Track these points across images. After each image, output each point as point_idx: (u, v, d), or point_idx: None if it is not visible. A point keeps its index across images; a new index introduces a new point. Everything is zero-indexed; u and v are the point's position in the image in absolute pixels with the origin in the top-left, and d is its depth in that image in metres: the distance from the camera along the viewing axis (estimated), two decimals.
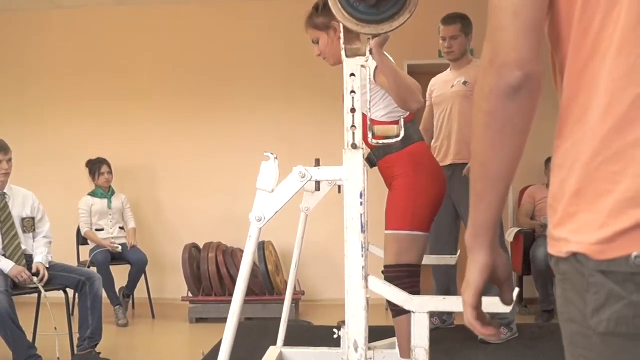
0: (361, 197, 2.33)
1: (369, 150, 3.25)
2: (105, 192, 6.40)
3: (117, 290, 6.07)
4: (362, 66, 2.37)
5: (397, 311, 2.95)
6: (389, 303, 3.00)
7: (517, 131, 1.15)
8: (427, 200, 3.10)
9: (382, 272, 3.10)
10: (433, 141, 4.91)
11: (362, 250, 2.34)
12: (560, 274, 1.12)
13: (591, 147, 1.05)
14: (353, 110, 2.35)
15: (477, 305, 1.22)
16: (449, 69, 4.98)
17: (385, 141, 2.49)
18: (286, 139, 6.94)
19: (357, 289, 2.35)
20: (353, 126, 2.34)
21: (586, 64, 1.08)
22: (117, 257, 6.16)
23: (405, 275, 3.03)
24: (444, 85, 4.89)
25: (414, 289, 2.92)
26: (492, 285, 1.26)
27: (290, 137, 6.96)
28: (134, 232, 6.45)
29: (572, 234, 1.07)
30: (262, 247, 6.07)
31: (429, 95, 5.02)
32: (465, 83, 4.71)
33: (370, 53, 2.70)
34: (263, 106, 7.08)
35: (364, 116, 3.12)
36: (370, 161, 3.26)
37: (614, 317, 1.02)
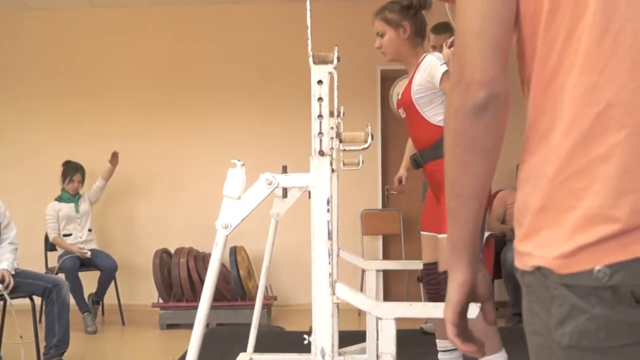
0: (328, 203, 2.32)
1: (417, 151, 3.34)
2: (72, 196, 6.33)
3: (86, 296, 5.99)
4: (329, 73, 2.36)
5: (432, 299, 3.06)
6: (427, 293, 3.14)
7: (486, 149, 1.15)
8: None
9: (441, 276, 3.10)
10: None
11: (329, 257, 2.33)
12: (525, 285, 1.12)
13: (555, 163, 1.06)
14: (320, 117, 2.34)
15: (457, 322, 1.23)
16: None
17: (352, 147, 2.48)
18: (258, 145, 6.93)
19: (324, 295, 2.35)
20: (320, 133, 2.33)
21: (550, 81, 1.09)
22: (86, 263, 6.08)
23: None
24: None
25: None
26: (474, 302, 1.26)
27: (262, 144, 6.95)
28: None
29: (535, 249, 1.07)
30: (234, 252, 6.05)
31: None
32: None
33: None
34: (235, 113, 7.06)
35: (420, 118, 3.22)
36: (416, 162, 3.31)
37: (577, 330, 1.02)
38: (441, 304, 2.54)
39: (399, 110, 3.35)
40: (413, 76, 3.25)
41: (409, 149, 4.97)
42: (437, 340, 3.42)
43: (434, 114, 3.20)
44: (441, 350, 3.42)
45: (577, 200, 1.03)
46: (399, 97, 3.40)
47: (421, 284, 3.43)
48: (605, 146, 1.02)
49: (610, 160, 1.01)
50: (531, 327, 1.12)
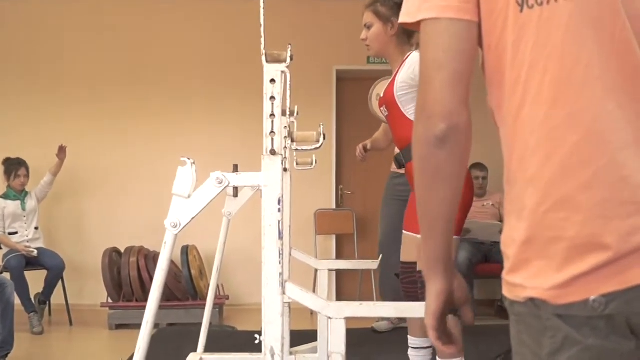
0: (279, 203, 2.30)
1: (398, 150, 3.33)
2: (18, 194, 6.19)
3: (32, 296, 5.87)
4: (283, 72, 2.34)
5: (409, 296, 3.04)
6: (403, 291, 3.14)
7: (449, 175, 1.20)
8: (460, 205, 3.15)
9: (417, 275, 3.12)
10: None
11: (280, 257, 2.32)
12: (515, 315, 1.13)
13: (535, 194, 1.08)
14: (272, 116, 2.32)
15: (437, 327, 1.28)
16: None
17: (304, 147, 2.47)
18: (210, 144, 6.88)
19: (274, 295, 2.34)
20: (272, 132, 2.31)
21: (518, 113, 1.11)
22: (32, 262, 5.95)
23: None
24: None
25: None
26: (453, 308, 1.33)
27: (214, 143, 6.91)
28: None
29: (527, 280, 1.08)
30: (185, 251, 5.99)
31: None
32: None
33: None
34: (187, 111, 6.99)
35: (402, 116, 3.21)
36: (398, 162, 3.31)
37: None
38: (390, 304, 2.55)
39: (381, 109, 3.34)
40: (397, 73, 3.23)
41: (379, 133, 4.95)
42: (408, 336, 3.44)
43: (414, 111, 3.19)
44: (412, 347, 3.44)
45: (561, 231, 1.04)
46: (379, 97, 3.40)
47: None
48: (587, 174, 1.04)
49: (592, 189, 1.03)
50: (520, 357, 1.14)
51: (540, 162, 1.07)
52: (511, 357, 3.57)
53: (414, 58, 3.15)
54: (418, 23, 1.17)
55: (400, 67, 3.24)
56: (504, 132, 1.16)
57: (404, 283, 3.37)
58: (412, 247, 3.25)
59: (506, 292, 1.14)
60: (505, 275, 1.14)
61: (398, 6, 3.17)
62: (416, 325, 3.39)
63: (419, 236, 3.15)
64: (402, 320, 5.16)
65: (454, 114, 1.14)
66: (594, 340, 1.02)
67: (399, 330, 5.06)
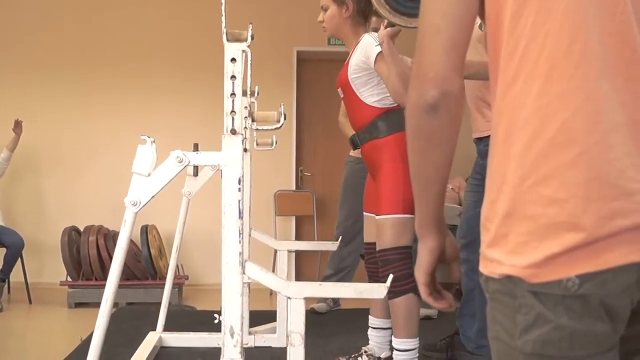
0: (239, 183, 2.32)
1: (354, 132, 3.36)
2: None
3: None
4: (243, 51, 2.35)
5: (394, 292, 3.04)
6: (367, 271, 3.15)
7: (442, 142, 1.21)
8: None
9: (377, 255, 3.19)
10: None
11: (240, 237, 2.34)
12: (489, 292, 1.14)
13: (520, 169, 1.07)
14: (233, 95, 2.33)
15: (429, 283, 1.32)
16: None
17: (265, 127, 2.49)
18: (171, 123, 6.83)
19: (234, 275, 2.36)
20: (232, 111, 2.33)
21: (510, 86, 1.11)
22: None
23: (403, 257, 3.12)
24: None
25: (410, 269, 3.04)
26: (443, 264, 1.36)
27: (176, 122, 6.86)
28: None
29: (505, 256, 1.08)
30: (145, 230, 5.97)
31: None
32: None
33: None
34: (148, 89, 6.93)
35: (356, 99, 3.25)
36: (354, 143, 3.34)
37: (540, 339, 1.04)
38: (349, 285, 2.60)
39: (338, 90, 3.38)
40: (350, 56, 3.28)
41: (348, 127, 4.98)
42: (369, 316, 3.50)
43: (370, 95, 3.23)
44: (372, 327, 3.50)
45: (543, 208, 1.04)
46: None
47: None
48: (573, 153, 1.03)
49: (577, 167, 1.03)
50: (493, 334, 1.14)
51: (529, 137, 1.07)
52: (454, 341, 3.65)
53: (365, 41, 3.19)
54: None
55: (353, 49, 3.28)
56: (494, 104, 1.16)
57: (367, 264, 3.43)
58: (372, 227, 3.30)
59: (482, 267, 1.14)
60: (484, 248, 1.14)
61: None
62: (377, 305, 3.45)
63: (377, 217, 3.20)
64: (337, 303, 5.25)
65: (446, 81, 1.14)
66: (567, 320, 1.03)
67: (345, 311, 5.14)
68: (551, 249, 1.03)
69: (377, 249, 3.18)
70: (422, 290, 1.33)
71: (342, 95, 3.40)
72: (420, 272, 1.33)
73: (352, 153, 4.94)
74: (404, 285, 3.05)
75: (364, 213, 3.46)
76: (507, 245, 1.08)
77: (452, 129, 1.20)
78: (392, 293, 3.05)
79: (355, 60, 3.22)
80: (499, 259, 1.09)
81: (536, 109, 1.07)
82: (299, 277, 7.05)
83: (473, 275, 3.50)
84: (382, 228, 3.16)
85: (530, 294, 1.05)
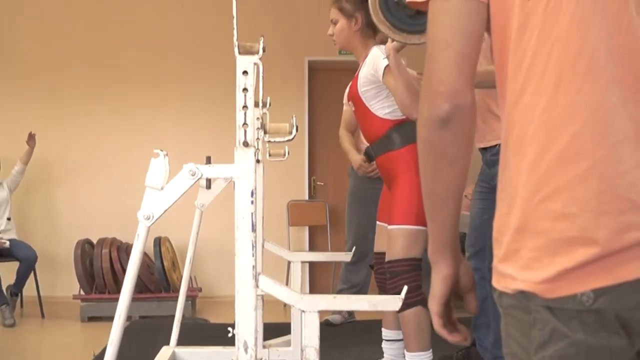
0: (252, 195, 2.30)
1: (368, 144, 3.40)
2: None
3: (4, 288, 5.81)
4: (255, 64, 2.34)
5: (403, 305, 3.00)
6: (375, 276, 3.10)
7: (455, 159, 1.17)
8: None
9: (386, 265, 3.16)
10: None
11: (253, 249, 2.32)
12: (503, 307, 1.12)
13: (529, 183, 1.06)
14: (245, 108, 2.31)
15: (443, 314, 1.25)
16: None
17: (277, 139, 2.47)
18: (183, 135, 6.85)
19: (247, 288, 2.34)
20: (245, 124, 2.31)
21: (518, 98, 1.10)
22: (4, 253, 5.88)
23: (412, 269, 3.10)
24: None
25: (419, 282, 3.04)
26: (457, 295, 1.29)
27: (187, 134, 6.88)
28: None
29: (518, 271, 1.07)
30: (158, 243, 5.96)
31: None
32: None
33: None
34: (160, 102, 6.96)
35: (367, 112, 3.25)
36: (369, 156, 3.34)
37: (556, 354, 1.03)
38: (363, 297, 2.57)
39: (349, 103, 3.38)
40: (360, 69, 3.30)
41: (347, 136, 4.94)
42: (382, 328, 3.47)
43: (380, 107, 3.24)
44: (386, 339, 3.47)
45: (553, 222, 1.03)
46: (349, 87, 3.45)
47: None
48: (583, 166, 1.02)
49: (588, 180, 1.02)
50: (508, 349, 1.13)
51: (538, 150, 1.05)
52: (470, 353, 3.58)
53: (373, 54, 3.19)
54: (426, 2, 1.16)
55: (363, 62, 3.29)
56: (504, 117, 1.15)
57: (377, 274, 3.40)
58: (383, 237, 3.28)
59: (495, 282, 1.13)
60: (496, 263, 1.13)
61: (362, 3, 3.19)
62: (389, 317, 3.42)
63: (389, 227, 3.17)
64: (352, 314, 5.22)
65: (457, 94, 1.13)
66: (582, 335, 1.01)
67: (360, 323, 5.11)
68: (564, 264, 1.02)
69: (387, 260, 3.16)
70: (435, 321, 1.26)
71: (353, 109, 3.39)
72: (434, 303, 1.25)
73: None
74: (412, 298, 3.00)
75: (377, 222, 3.44)
76: (520, 261, 1.07)
77: (466, 144, 1.17)
78: (401, 306, 3.02)
79: (364, 73, 3.23)
80: (512, 274, 1.08)
81: (544, 121, 1.05)
82: (313, 287, 7.02)
83: (484, 284, 3.45)
84: (393, 238, 3.14)
85: (544, 309, 1.04)
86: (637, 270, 1.01)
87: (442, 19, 1.14)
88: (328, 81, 7.06)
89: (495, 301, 1.15)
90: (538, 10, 1.07)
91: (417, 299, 3.03)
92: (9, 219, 6.16)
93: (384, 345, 3.48)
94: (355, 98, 3.30)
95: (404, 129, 3.18)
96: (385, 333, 3.47)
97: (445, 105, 1.12)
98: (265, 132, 2.84)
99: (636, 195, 1.02)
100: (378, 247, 3.41)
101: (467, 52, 1.14)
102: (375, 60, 3.15)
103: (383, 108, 3.23)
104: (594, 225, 1.01)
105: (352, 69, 5.43)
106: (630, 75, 1.05)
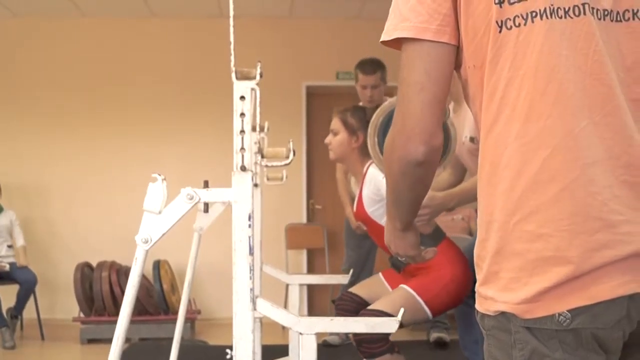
0: (249, 219, 2.33)
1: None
2: None
3: (4, 311, 5.81)
4: (252, 89, 2.38)
5: (371, 354, 2.93)
6: (357, 344, 2.97)
7: (425, 185, 1.32)
8: (455, 291, 3.05)
9: (364, 311, 3.01)
10: None
11: (250, 272, 2.35)
12: (485, 329, 1.16)
13: (506, 207, 1.10)
14: (242, 132, 2.35)
15: (418, 255, 1.71)
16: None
17: (274, 163, 2.50)
18: (180, 159, 6.88)
19: (245, 310, 2.36)
20: (242, 148, 2.35)
21: (491, 127, 1.15)
22: (4, 276, 5.91)
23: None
24: None
25: (387, 346, 2.92)
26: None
27: (185, 158, 6.91)
28: (24, 250, 6.19)
29: (498, 293, 1.11)
30: (157, 266, 5.98)
31: None
32: None
33: None
34: (157, 126, 6.99)
35: (381, 228, 3.04)
36: (397, 267, 3.11)
37: None
38: (360, 319, 2.58)
39: (359, 223, 3.31)
40: (362, 190, 3.25)
41: (345, 190, 4.97)
42: None
43: None
44: None
45: (529, 243, 1.07)
46: (354, 209, 3.39)
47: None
48: (555, 189, 1.07)
49: (561, 202, 1.06)
50: None
51: (512, 176, 1.10)
52: None
53: (371, 174, 3.17)
54: (395, 41, 1.21)
55: (362, 182, 3.25)
56: (480, 147, 1.19)
57: (337, 309, 3.32)
58: (374, 287, 3.26)
59: (478, 305, 1.17)
60: (478, 286, 1.17)
61: (366, 122, 3.06)
62: None
63: (401, 285, 3.03)
64: (348, 336, 5.19)
65: (432, 136, 1.20)
66: (561, 353, 1.04)
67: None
68: (542, 284, 1.06)
69: (369, 308, 3.03)
70: (417, 259, 1.74)
71: (365, 228, 3.35)
72: (412, 249, 1.64)
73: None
74: (378, 348, 2.92)
75: (381, 275, 3.35)
76: (499, 282, 1.11)
77: (434, 171, 1.30)
78: (369, 355, 2.96)
79: (367, 193, 3.19)
80: (492, 296, 1.12)
81: (517, 148, 1.10)
82: (311, 309, 7.03)
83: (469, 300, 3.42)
84: (394, 293, 3.05)
85: (524, 329, 1.07)
86: (611, 290, 1.04)
87: (416, 62, 1.19)
88: (326, 106, 7.08)
89: (479, 323, 1.18)
90: (509, 43, 1.12)
91: (383, 348, 2.93)
92: (9, 246, 6.18)
93: None
94: (365, 219, 3.24)
95: (424, 236, 3.02)
96: None
97: (421, 147, 1.20)
98: (262, 157, 2.87)
99: (607, 215, 1.06)
100: (360, 290, 3.33)
101: (439, 95, 1.20)
102: (375, 180, 3.12)
103: None
104: (567, 244, 1.05)
105: (349, 94, 5.50)
106: (598, 100, 1.10)
